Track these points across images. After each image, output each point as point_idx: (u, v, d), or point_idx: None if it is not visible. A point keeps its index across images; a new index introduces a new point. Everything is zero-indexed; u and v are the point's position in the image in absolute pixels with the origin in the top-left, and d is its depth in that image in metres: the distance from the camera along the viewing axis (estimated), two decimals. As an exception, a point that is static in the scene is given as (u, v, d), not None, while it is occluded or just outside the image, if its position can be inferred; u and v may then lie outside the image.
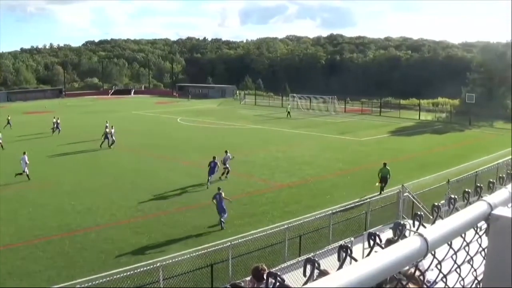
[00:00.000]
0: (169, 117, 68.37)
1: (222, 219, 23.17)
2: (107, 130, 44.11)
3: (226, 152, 32.75)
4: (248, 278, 11.61)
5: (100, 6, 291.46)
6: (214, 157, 31.08)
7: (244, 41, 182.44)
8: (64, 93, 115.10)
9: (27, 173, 32.05)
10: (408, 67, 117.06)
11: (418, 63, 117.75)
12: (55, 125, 52.26)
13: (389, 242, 2.16)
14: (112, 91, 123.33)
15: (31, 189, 29.94)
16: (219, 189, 24.04)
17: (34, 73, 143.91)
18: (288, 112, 70.70)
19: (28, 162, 32.26)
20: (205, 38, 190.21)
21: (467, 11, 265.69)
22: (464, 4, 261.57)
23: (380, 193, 27.72)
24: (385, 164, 29.59)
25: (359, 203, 24.81)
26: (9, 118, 57.36)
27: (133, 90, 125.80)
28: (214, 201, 23.49)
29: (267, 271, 6.52)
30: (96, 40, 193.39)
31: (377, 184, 28.98)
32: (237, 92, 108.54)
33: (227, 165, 32.31)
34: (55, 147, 43.01)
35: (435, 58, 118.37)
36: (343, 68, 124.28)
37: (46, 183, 31.36)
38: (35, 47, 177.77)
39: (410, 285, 1.94)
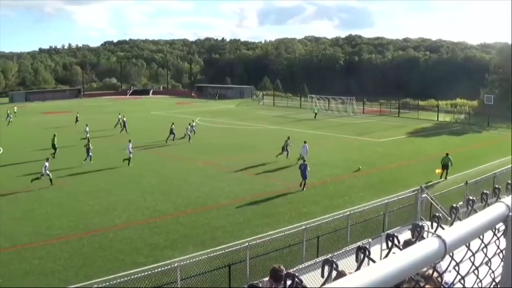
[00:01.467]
0: (187, 118, 68.37)
1: (304, 182, 29.79)
2: (173, 126, 46.83)
3: (304, 142, 37.55)
4: (266, 279, 11.60)
5: (118, 7, 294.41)
6: (289, 137, 39.62)
7: (263, 41, 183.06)
8: (82, 93, 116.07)
9: (130, 157, 36.25)
10: (427, 68, 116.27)
11: (436, 64, 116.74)
12: (122, 124, 52.79)
13: (407, 243, 2.17)
14: (131, 91, 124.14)
15: (49, 188, 30.16)
16: (304, 161, 31.62)
17: (53, 73, 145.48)
18: (316, 114, 70.67)
19: (131, 149, 36.40)
20: (223, 38, 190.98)
21: (485, 11, 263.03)
22: (483, 5, 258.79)
23: (445, 178, 31.76)
24: (447, 154, 33.15)
25: (377, 204, 24.63)
26: (78, 115, 59.28)
27: (152, 91, 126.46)
28: (300, 170, 30.08)
29: (285, 272, 6.53)
30: (115, 41, 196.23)
31: (437, 171, 31.87)
32: (256, 92, 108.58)
33: (305, 157, 34.89)
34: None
35: (453, 59, 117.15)
36: (362, 69, 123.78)
37: (63, 183, 31.57)
38: (53, 47, 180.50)
39: (428, 286, 1.94)
